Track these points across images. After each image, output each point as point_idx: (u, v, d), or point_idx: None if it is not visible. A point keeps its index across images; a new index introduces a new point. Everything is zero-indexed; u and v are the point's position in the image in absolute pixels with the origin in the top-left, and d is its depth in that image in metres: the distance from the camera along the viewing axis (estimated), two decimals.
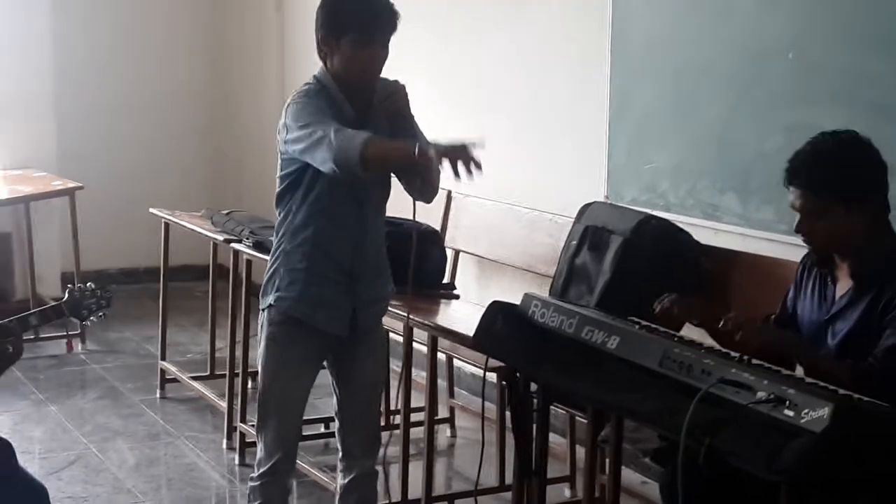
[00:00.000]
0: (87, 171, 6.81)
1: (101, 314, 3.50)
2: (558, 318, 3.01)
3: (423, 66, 5.88)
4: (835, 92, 3.72)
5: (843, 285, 2.94)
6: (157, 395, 5.57)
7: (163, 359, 5.63)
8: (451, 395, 5.18)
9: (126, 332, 6.61)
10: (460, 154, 3.03)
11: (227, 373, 4.99)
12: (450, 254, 4.98)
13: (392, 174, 3.43)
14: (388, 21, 3.30)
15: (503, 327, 3.13)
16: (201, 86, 7.79)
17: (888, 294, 2.79)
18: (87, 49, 7.45)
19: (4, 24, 6.83)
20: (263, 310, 3.45)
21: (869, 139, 2.91)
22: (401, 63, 5.70)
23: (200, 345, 6.17)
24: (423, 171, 3.24)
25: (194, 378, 5.49)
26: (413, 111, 3.44)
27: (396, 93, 3.36)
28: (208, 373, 5.54)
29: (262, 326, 3.47)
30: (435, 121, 5.78)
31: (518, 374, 3.25)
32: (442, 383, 4.92)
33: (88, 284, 3.53)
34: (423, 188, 3.41)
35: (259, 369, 3.52)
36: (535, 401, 3.32)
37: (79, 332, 6.23)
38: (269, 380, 3.47)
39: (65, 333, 6.21)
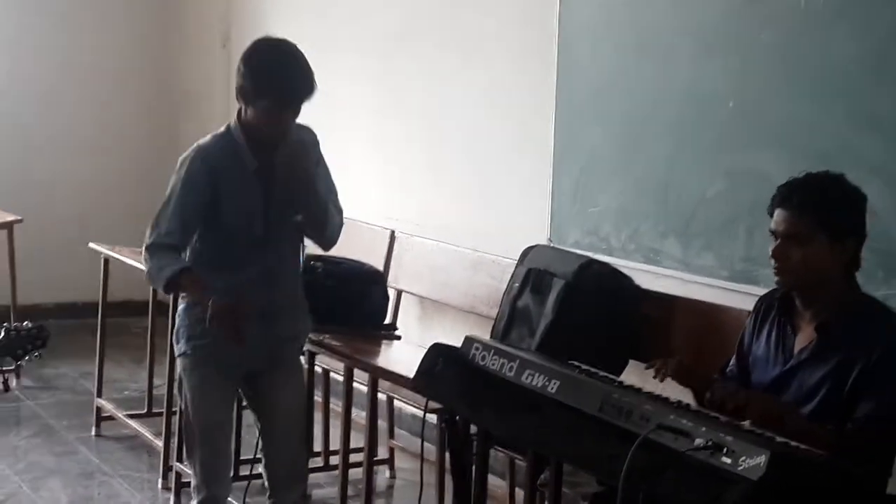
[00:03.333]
0: (26, 205, 6.73)
1: (36, 354, 3.45)
2: (499, 362, 2.99)
3: (370, 105, 5.90)
4: (775, 138, 3.76)
5: (805, 336, 2.89)
6: (93, 433, 5.48)
7: (99, 396, 5.54)
8: (392, 435, 5.14)
9: (62, 368, 6.50)
10: (226, 319, 3.28)
11: (164, 411, 4.92)
12: (393, 294, 4.97)
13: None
14: (305, 91, 3.39)
15: (443, 370, 3.10)
16: (145, 120, 7.73)
17: (861, 361, 2.74)
18: (27, 82, 7.39)
19: None
20: (179, 356, 3.52)
21: (858, 187, 2.90)
22: (348, 100, 5.76)
23: (138, 382, 6.08)
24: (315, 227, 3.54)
25: (131, 416, 5.41)
26: (326, 158, 3.60)
27: (300, 156, 3.44)
28: (145, 410, 5.47)
29: (180, 366, 3.59)
30: (380, 161, 5.84)
31: (458, 417, 3.23)
32: (382, 424, 4.90)
33: (25, 324, 3.48)
34: (321, 240, 3.61)
35: (181, 403, 3.61)
36: (475, 443, 3.31)
37: (13, 367, 6.10)
38: (189, 407, 3.59)
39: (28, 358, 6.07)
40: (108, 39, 7.64)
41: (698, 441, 2.44)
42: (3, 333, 3.39)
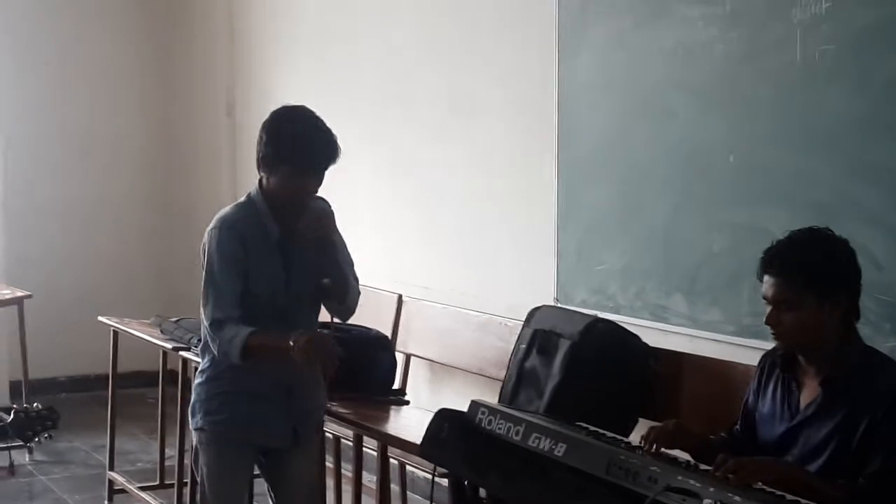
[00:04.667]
0: (35, 279, 6.77)
1: (46, 436, 3.45)
2: (505, 426, 2.98)
3: (371, 169, 5.93)
4: (775, 193, 3.77)
5: (810, 392, 2.88)
6: None
7: (111, 469, 5.53)
8: (404, 500, 5.10)
9: (75, 442, 6.49)
10: (319, 354, 3.30)
11: (175, 482, 4.90)
12: (401, 358, 4.97)
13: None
14: (327, 157, 3.41)
15: (449, 435, 3.10)
16: (151, 191, 7.77)
17: (867, 414, 2.73)
18: (35, 155, 7.43)
19: None
20: (195, 430, 3.51)
21: (846, 239, 2.90)
22: (349, 165, 5.76)
23: (151, 453, 6.06)
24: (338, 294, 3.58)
25: (143, 488, 5.39)
26: (342, 231, 3.60)
27: (321, 218, 3.46)
28: (158, 482, 5.45)
29: (196, 439, 3.56)
30: (384, 225, 5.86)
31: (466, 482, 3.21)
32: (396, 488, 4.87)
33: (35, 405, 3.49)
34: (340, 309, 3.61)
35: (198, 475, 3.56)
36: None
37: (49, 438, 6.09)
38: (206, 482, 3.57)
39: (7, 445, 6.08)
40: (113, 108, 7.70)
41: (707, 502, 2.43)
42: (13, 415, 3.40)
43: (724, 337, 3.93)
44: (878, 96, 3.43)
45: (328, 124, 3.45)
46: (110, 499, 5.49)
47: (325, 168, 3.42)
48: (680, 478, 2.53)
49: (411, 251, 5.66)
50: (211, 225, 3.51)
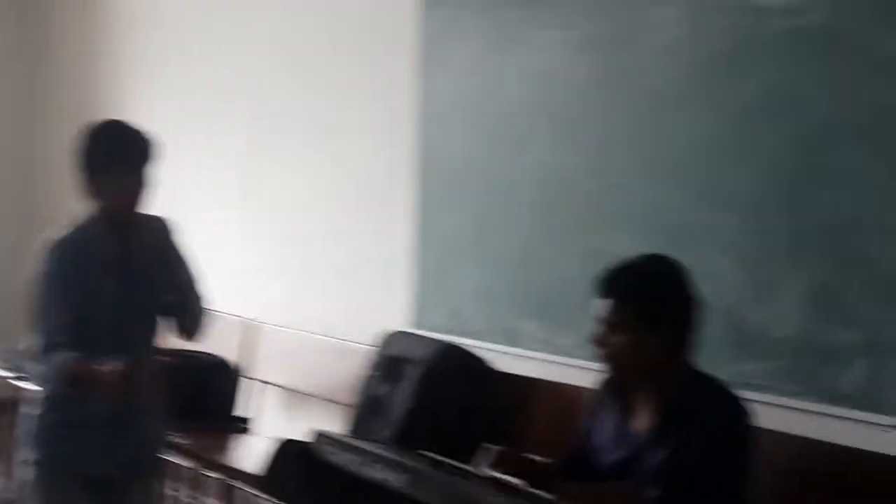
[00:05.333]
0: None
1: None
2: (347, 457, 2.91)
3: (231, 198, 5.81)
4: (630, 218, 3.75)
5: (643, 420, 2.87)
6: None
7: None
8: None
9: None
10: (131, 385, 3.16)
11: None
12: (253, 385, 4.84)
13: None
14: (143, 151, 3.32)
15: (291, 467, 3.01)
16: (4, 216, 7.44)
17: (699, 442, 2.71)
18: None
19: None
20: (26, 462, 3.34)
21: (683, 268, 2.89)
22: (210, 190, 5.65)
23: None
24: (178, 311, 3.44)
25: None
26: (183, 246, 3.47)
27: (158, 231, 3.35)
28: None
29: (28, 474, 3.37)
30: (238, 251, 5.72)
31: None
32: None
33: None
34: (184, 328, 3.48)
35: None
36: None
37: None
38: None
39: None
40: None
41: None
42: None
43: (578, 361, 3.89)
44: (736, 119, 3.43)
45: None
46: None
47: (142, 165, 3.32)
48: None
49: (266, 276, 5.53)
50: (43, 246, 3.36)
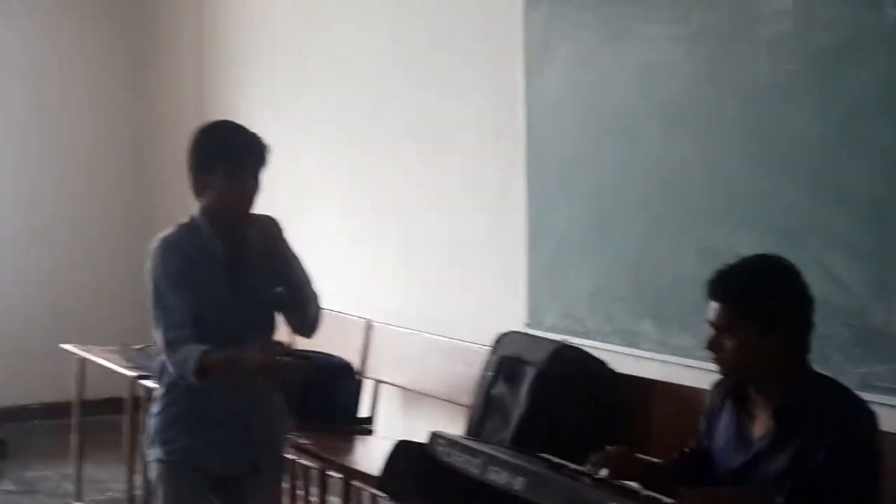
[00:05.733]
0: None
1: None
2: (464, 458, 2.90)
3: (340, 198, 5.87)
4: (744, 215, 3.70)
5: (762, 424, 2.81)
6: None
7: (78, 499, 5.45)
8: None
9: (46, 471, 6.38)
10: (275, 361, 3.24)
11: None
12: (371, 385, 4.89)
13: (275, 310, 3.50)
14: (258, 152, 3.37)
15: (407, 468, 3.02)
16: (121, 216, 7.65)
17: (821, 445, 2.65)
18: (1, 180, 7.35)
19: None
20: (152, 461, 3.42)
21: (798, 270, 2.83)
22: (320, 191, 5.72)
23: (121, 482, 5.96)
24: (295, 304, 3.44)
25: None
26: (292, 246, 3.48)
27: (268, 230, 3.38)
28: None
29: (154, 472, 3.43)
30: (354, 250, 5.78)
31: None
32: None
33: None
34: (300, 323, 3.49)
35: None
36: None
37: None
38: None
39: None
40: (80, 126, 7.61)
41: None
42: None
43: (695, 362, 3.84)
44: (846, 114, 3.36)
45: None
46: None
47: (257, 168, 3.37)
48: None
49: (381, 276, 5.58)
50: (153, 245, 3.43)
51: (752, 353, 2.77)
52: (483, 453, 2.87)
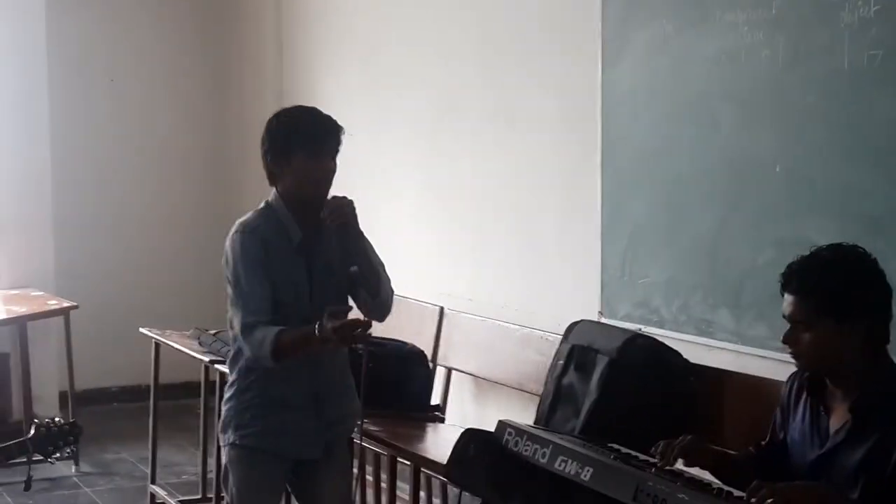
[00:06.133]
0: (83, 290, 6.79)
1: (67, 451, 3.40)
2: (532, 447, 2.88)
3: (416, 181, 5.86)
4: (824, 204, 3.63)
5: (839, 417, 2.75)
6: None
7: (153, 482, 5.50)
8: None
9: (122, 453, 6.49)
10: (346, 330, 3.18)
11: (213, 496, 4.85)
12: (442, 372, 4.88)
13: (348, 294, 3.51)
14: (333, 133, 3.39)
15: (475, 456, 3.00)
16: (201, 204, 7.72)
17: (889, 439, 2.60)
18: (86, 169, 7.46)
19: (5, 145, 6.85)
20: (226, 446, 3.44)
21: (874, 259, 2.77)
22: (395, 176, 5.71)
23: (196, 465, 6.02)
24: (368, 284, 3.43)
25: (183, 502, 5.35)
26: (363, 227, 3.46)
27: (342, 207, 3.35)
28: (200, 496, 5.40)
29: (227, 458, 3.44)
30: (427, 237, 5.77)
31: None
32: (437, 502, 4.79)
33: (57, 420, 3.44)
34: (373, 305, 3.47)
35: (227, 497, 3.49)
36: None
37: (70, 454, 6.08)
38: (235, 502, 3.49)
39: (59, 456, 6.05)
40: (165, 123, 7.71)
41: None
42: (33, 430, 3.35)
43: (770, 353, 3.78)
44: None
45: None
46: None
47: (335, 147, 3.39)
48: None
49: (454, 264, 5.57)
50: (231, 230, 3.45)
51: (830, 346, 2.71)
52: (551, 443, 2.85)
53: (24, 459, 3.33)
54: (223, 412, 3.54)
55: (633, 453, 2.92)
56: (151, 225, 7.65)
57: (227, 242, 3.45)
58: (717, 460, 2.93)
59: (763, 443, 3.01)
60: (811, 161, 3.68)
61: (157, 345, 5.37)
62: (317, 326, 3.20)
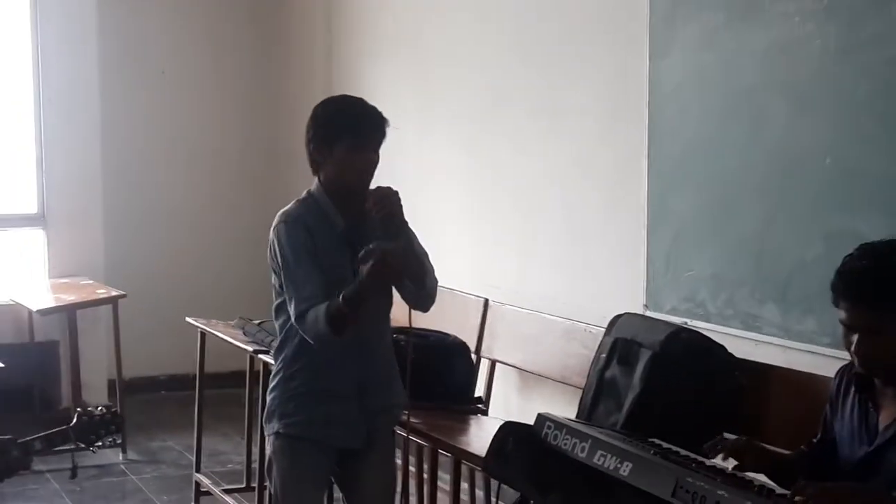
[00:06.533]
0: (132, 279, 6.85)
1: (110, 440, 3.42)
2: (571, 442, 2.85)
3: (463, 173, 5.84)
4: (875, 198, 3.57)
5: (888, 413, 2.70)
6: None
7: (198, 470, 5.52)
8: None
9: (169, 441, 6.53)
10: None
11: (256, 485, 4.86)
12: (486, 364, 4.86)
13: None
14: (378, 125, 3.38)
15: (513, 450, 2.98)
16: (249, 198, 7.72)
17: None
18: (136, 161, 7.53)
19: (56, 136, 6.91)
20: (270, 436, 3.44)
21: None
22: (441, 170, 5.69)
23: (242, 455, 6.04)
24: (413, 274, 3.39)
25: (228, 490, 5.37)
26: (408, 217, 3.43)
27: (388, 197, 3.33)
28: (244, 485, 5.41)
29: (271, 447, 3.44)
30: (473, 230, 5.75)
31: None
32: (480, 493, 4.76)
33: (99, 409, 3.46)
34: (417, 295, 3.45)
35: (270, 487, 3.49)
36: None
37: (119, 441, 6.11)
38: (279, 493, 3.48)
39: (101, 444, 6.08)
40: (217, 117, 7.75)
41: None
42: (76, 418, 3.37)
43: (818, 349, 3.73)
44: None
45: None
46: (196, 500, 5.48)
47: (379, 139, 3.38)
48: (748, 503, 2.37)
49: (499, 256, 5.54)
50: (275, 221, 3.45)
51: (886, 351, 2.63)
52: (590, 437, 2.81)
53: (68, 448, 3.35)
54: (268, 402, 3.54)
55: (675, 449, 2.88)
56: (199, 216, 7.70)
57: (272, 234, 3.45)
58: (773, 462, 2.88)
59: (815, 441, 2.95)
60: (862, 154, 3.61)
61: (203, 334, 5.38)
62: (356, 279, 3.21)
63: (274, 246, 3.43)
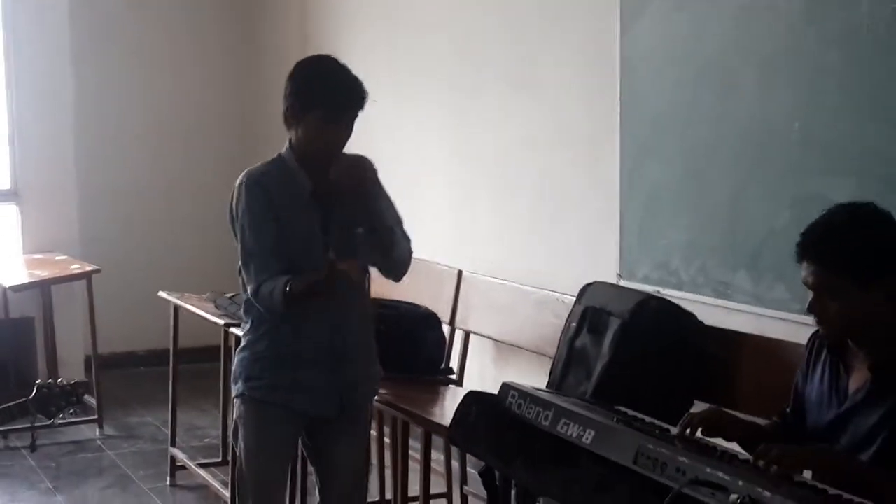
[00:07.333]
0: (107, 254, 6.80)
1: (71, 411, 3.38)
2: (535, 410, 2.82)
3: (435, 149, 5.81)
4: (843, 164, 3.54)
5: (859, 377, 2.68)
6: (168, 483, 5.43)
7: (173, 445, 5.50)
8: (465, 481, 4.95)
9: (147, 417, 6.50)
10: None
11: (231, 459, 4.83)
12: (461, 335, 4.84)
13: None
14: (357, 99, 3.28)
15: (477, 419, 2.95)
16: (221, 169, 7.62)
17: None
18: (109, 135, 7.47)
19: (28, 110, 6.85)
20: (236, 398, 3.39)
21: (889, 213, 2.68)
22: (419, 142, 5.65)
23: (218, 429, 6.02)
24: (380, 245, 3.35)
25: (203, 465, 5.35)
26: (384, 184, 3.43)
27: (353, 168, 3.27)
28: (220, 459, 5.40)
29: (237, 411, 3.41)
30: (449, 200, 5.72)
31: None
32: (456, 464, 4.75)
33: (59, 381, 3.42)
34: (387, 264, 3.40)
35: (236, 451, 3.46)
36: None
37: (96, 417, 6.09)
38: (245, 462, 3.42)
39: (84, 419, 6.07)
40: (191, 95, 7.71)
41: (733, 497, 2.24)
42: (35, 390, 3.34)
43: (790, 315, 3.71)
44: None
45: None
46: (172, 475, 5.46)
47: (355, 112, 3.30)
48: (709, 470, 2.34)
49: (474, 226, 5.51)
50: (238, 181, 3.38)
51: (857, 312, 2.62)
52: (554, 405, 2.79)
53: (30, 424, 3.32)
54: (234, 363, 3.48)
55: (640, 416, 2.86)
56: (172, 191, 7.66)
57: (234, 194, 3.38)
58: (745, 431, 2.86)
59: (787, 410, 2.93)
60: (830, 120, 3.58)
61: (176, 308, 5.35)
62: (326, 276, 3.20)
63: (232, 208, 3.38)
